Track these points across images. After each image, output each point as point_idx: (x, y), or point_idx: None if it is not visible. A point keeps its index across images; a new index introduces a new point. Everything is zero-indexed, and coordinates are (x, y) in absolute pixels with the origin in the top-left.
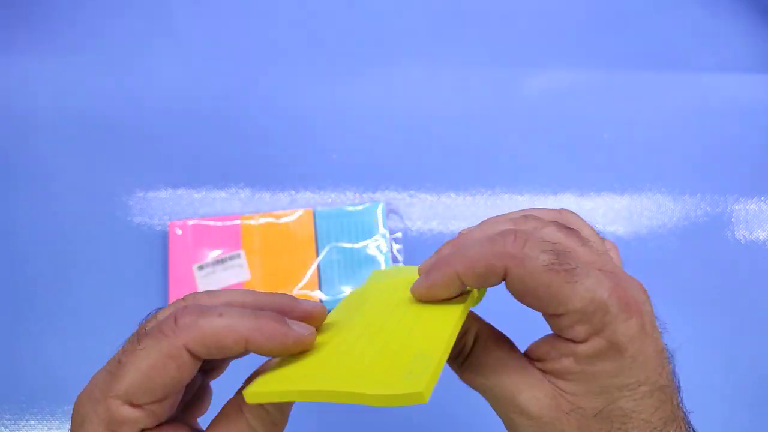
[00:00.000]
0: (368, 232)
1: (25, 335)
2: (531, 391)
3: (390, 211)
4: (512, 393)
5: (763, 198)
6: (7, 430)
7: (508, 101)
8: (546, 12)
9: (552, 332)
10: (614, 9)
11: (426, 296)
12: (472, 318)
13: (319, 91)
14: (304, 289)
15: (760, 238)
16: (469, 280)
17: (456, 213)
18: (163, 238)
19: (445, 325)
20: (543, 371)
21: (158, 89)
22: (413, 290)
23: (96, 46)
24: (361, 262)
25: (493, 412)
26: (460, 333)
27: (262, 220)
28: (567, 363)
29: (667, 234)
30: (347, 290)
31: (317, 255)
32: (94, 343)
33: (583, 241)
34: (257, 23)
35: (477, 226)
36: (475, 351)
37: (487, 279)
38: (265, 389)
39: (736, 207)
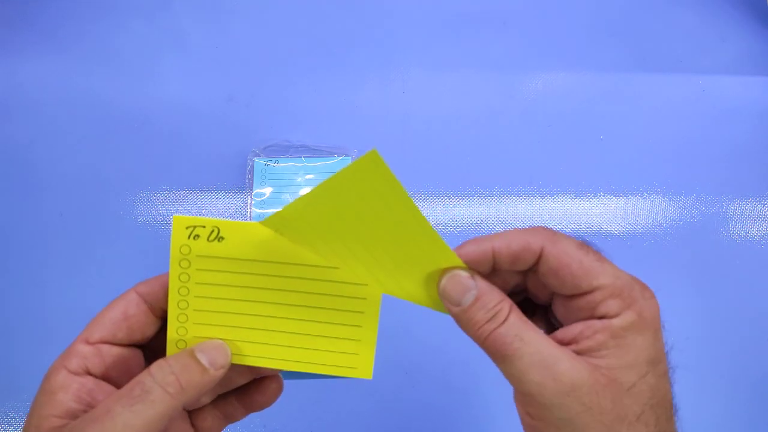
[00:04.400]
0: None
1: (30, 333)
2: (571, 362)
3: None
4: (554, 360)
5: (758, 198)
6: (13, 428)
7: (505, 103)
8: (544, 15)
9: (578, 320)
10: (611, 12)
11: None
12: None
13: (321, 93)
14: None
15: (755, 237)
16: (503, 258)
17: (454, 214)
18: (166, 237)
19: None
20: (576, 352)
21: (161, 90)
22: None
23: (101, 48)
24: None
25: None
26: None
27: None
28: (602, 338)
29: (663, 234)
30: None
31: None
32: None
33: None
34: (261, 26)
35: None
36: (511, 317)
37: (519, 258)
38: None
39: (731, 207)
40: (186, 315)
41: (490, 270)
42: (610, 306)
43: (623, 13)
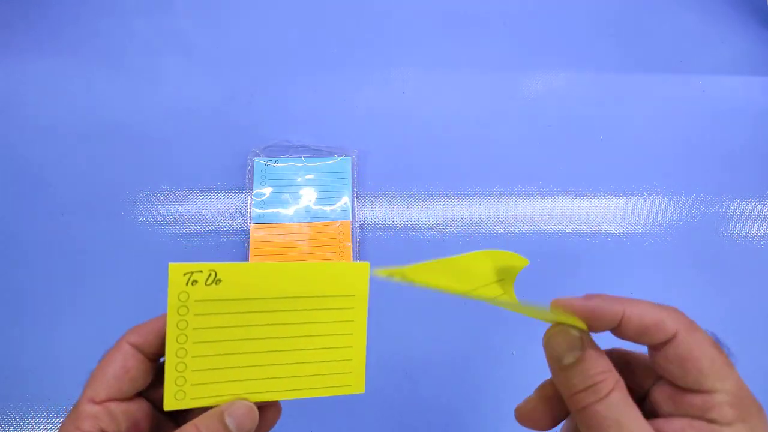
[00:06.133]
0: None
1: (31, 333)
2: None
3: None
4: None
5: (758, 198)
6: (13, 427)
7: (506, 103)
8: (544, 15)
9: (683, 415)
10: (611, 12)
11: (580, 315)
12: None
13: (321, 93)
14: None
15: (755, 237)
16: (631, 326)
17: (454, 214)
18: (166, 237)
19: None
20: None
21: (161, 91)
22: (565, 305)
23: (100, 49)
24: None
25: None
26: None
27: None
28: None
29: (663, 234)
30: None
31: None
32: (99, 340)
33: None
34: (261, 26)
35: None
36: (614, 394)
37: (648, 332)
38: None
39: (731, 207)
40: (185, 363)
41: (607, 329)
42: (726, 413)
43: (623, 13)
